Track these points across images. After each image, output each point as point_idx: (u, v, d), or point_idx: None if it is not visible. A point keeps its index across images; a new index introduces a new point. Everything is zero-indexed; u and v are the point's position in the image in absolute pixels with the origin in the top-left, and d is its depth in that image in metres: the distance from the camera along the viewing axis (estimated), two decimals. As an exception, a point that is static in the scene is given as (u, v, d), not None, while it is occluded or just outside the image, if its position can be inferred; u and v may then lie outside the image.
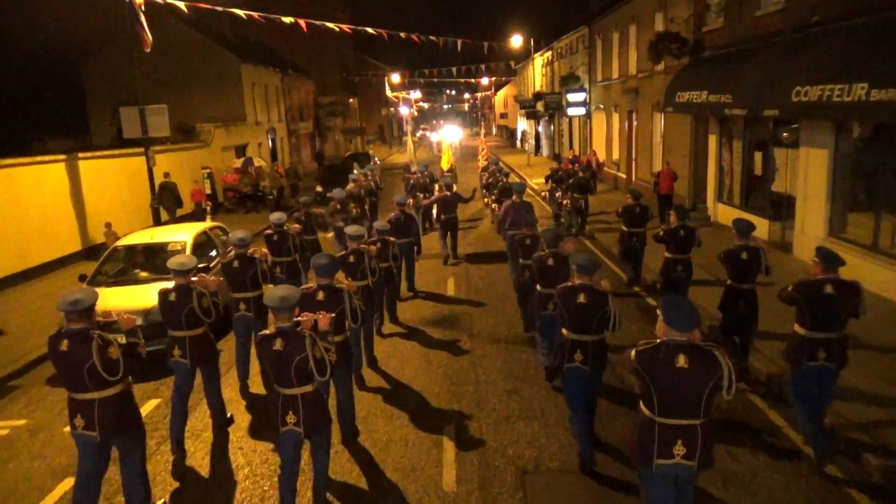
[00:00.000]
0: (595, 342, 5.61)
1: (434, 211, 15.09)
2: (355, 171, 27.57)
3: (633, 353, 4.08)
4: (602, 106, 27.62)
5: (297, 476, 5.15)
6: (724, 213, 15.49)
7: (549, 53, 38.80)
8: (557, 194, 17.22)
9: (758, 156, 14.04)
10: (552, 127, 40.13)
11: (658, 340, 4.03)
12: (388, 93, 73.96)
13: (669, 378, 3.91)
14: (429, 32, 22.91)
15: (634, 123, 23.17)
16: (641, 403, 4.15)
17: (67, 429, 5.11)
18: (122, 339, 4.93)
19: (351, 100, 55.28)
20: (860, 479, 5.43)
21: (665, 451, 3.98)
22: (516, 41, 36.85)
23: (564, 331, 5.73)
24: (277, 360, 4.79)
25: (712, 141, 16.07)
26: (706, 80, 13.91)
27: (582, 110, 29.96)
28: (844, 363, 5.56)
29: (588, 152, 22.92)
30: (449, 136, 29.02)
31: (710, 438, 4.03)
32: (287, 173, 31.88)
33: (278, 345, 4.75)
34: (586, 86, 29.97)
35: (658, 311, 4.11)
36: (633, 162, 23.24)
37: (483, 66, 39.65)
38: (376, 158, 33.58)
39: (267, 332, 4.93)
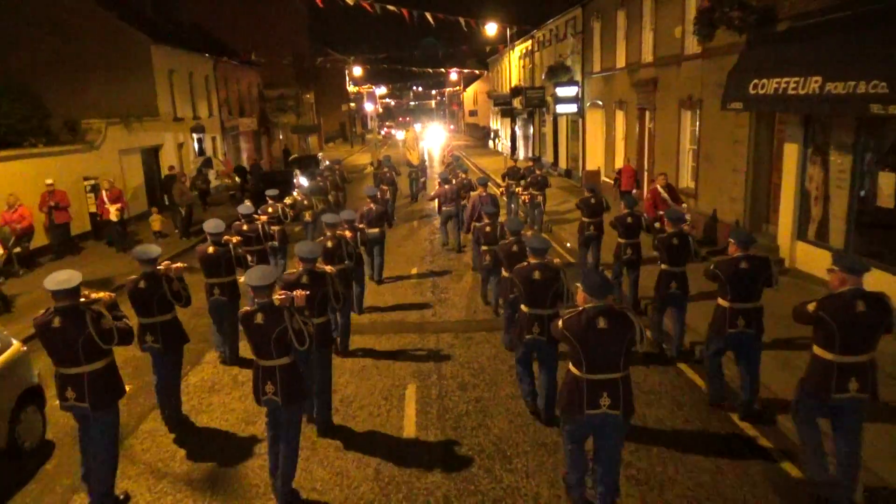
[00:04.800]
0: (550, 316, 6.03)
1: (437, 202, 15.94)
2: (297, 179, 22.40)
3: (560, 322, 4.75)
4: (600, 102, 22.68)
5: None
6: (810, 258, 10.65)
7: (530, 42, 33.76)
8: (518, 189, 16.98)
9: (885, 178, 9.17)
10: (532, 127, 35.14)
11: (580, 308, 4.67)
12: (350, 87, 68.01)
13: (593, 337, 4.58)
14: (394, 21, 17.80)
15: (648, 124, 18.25)
16: (571, 365, 4.79)
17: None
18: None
19: (307, 95, 49.21)
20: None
21: (593, 402, 4.64)
22: (491, 29, 31.91)
23: (523, 306, 6.40)
24: (258, 332, 5.18)
25: (790, 152, 11.17)
26: (812, 60, 8.94)
27: (573, 107, 25.01)
28: (762, 330, 6.36)
29: (655, 182, 13.28)
30: (432, 138, 27.58)
31: (629, 390, 4.73)
32: (252, 171, 26.33)
33: (259, 319, 5.14)
34: (578, 77, 25.05)
35: (577, 284, 4.77)
36: (647, 173, 18.33)
37: (452, 51, 34.52)
38: (327, 161, 28.13)
39: (248, 308, 5.23)
